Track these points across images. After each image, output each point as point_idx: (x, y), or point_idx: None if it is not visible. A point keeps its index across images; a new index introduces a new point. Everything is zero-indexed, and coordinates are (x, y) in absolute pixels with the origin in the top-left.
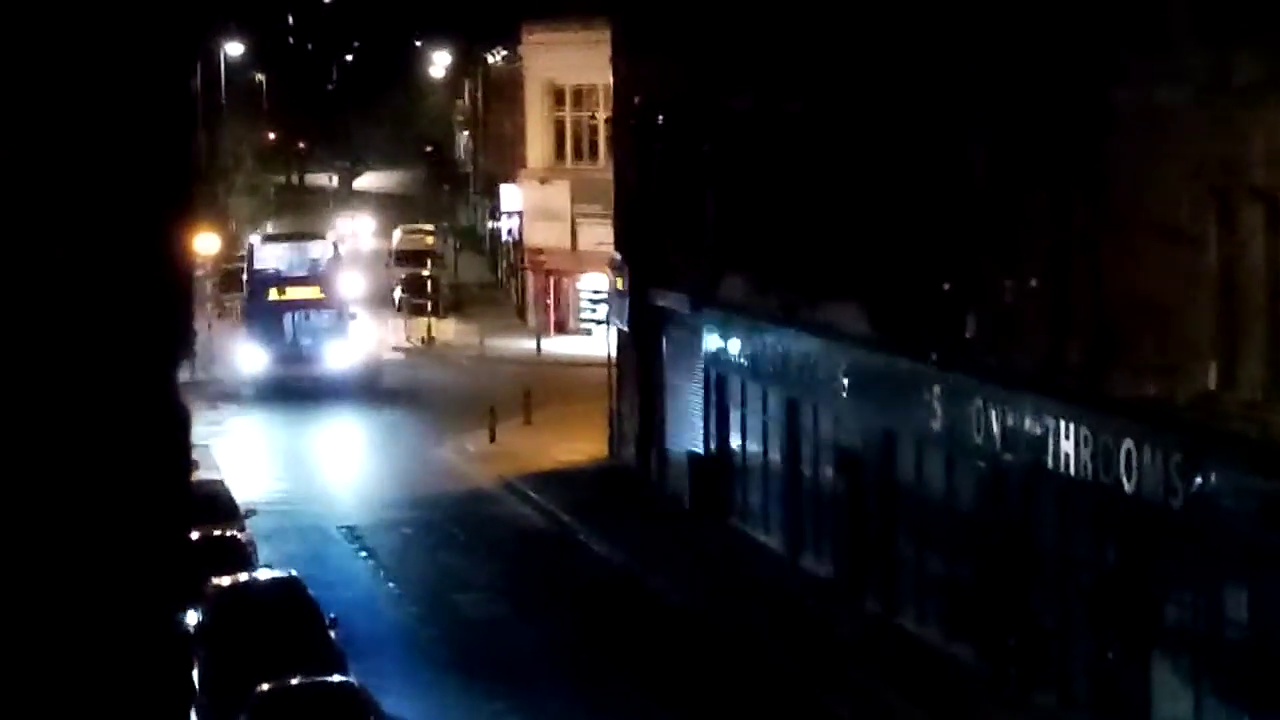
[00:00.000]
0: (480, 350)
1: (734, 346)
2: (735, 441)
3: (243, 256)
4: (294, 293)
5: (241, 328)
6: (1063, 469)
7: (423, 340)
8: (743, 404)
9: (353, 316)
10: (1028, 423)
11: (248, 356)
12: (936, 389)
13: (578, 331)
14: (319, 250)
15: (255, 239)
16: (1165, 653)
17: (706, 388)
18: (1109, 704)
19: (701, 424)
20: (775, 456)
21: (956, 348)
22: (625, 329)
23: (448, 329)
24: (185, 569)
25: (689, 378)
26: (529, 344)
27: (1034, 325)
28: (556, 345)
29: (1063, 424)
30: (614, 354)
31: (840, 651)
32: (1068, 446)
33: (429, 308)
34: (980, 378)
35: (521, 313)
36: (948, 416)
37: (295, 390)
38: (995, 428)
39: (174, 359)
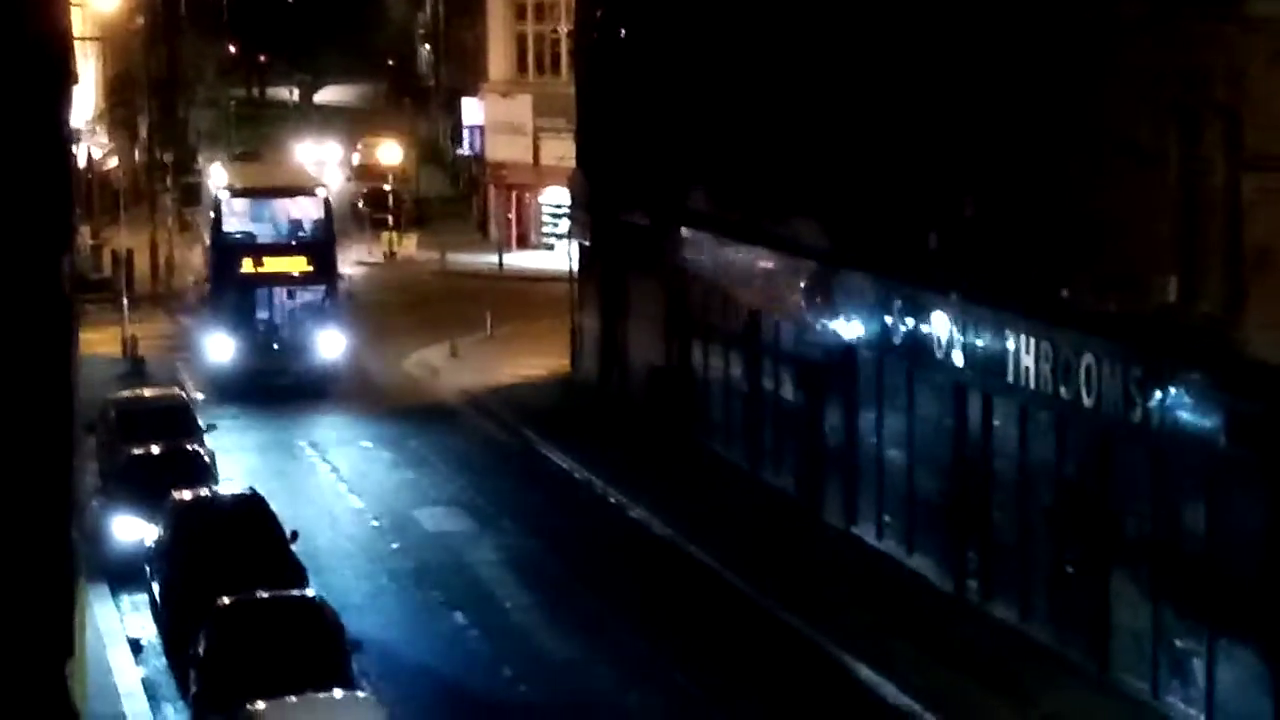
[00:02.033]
0: (442, 265)
1: (696, 261)
2: (697, 356)
3: (201, 171)
4: (274, 264)
5: (204, 309)
6: (1023, 383)
7: (385, 255)
8: (704, 318)
9: (348, 294)
10: (988, 337)
11: (214, 346)
12: (897, 303)
13: (540, 246)
14: (306, 208)
15: (223, 193)
16: (1124, 566)
17: (668, 302)
18: (1068, 617)
19: (663, 338)
20: (736, 371)
21: (918, 262)
22: (587, 243)
23: (410, 243)
24: (67, 455)
25: (651, 292)
26: (491, 258)
27: (995, 240)
28: (519, 260)
29: (1023, 338)
30: (576, 268)
31: (800, 565)
32: (1028, 360)
33: (391, 222)
34: (941, 292)
35: (483, 227)
36: (908, 330)
37: (270, 392)
38: (956, 342)
39: (57, 251)
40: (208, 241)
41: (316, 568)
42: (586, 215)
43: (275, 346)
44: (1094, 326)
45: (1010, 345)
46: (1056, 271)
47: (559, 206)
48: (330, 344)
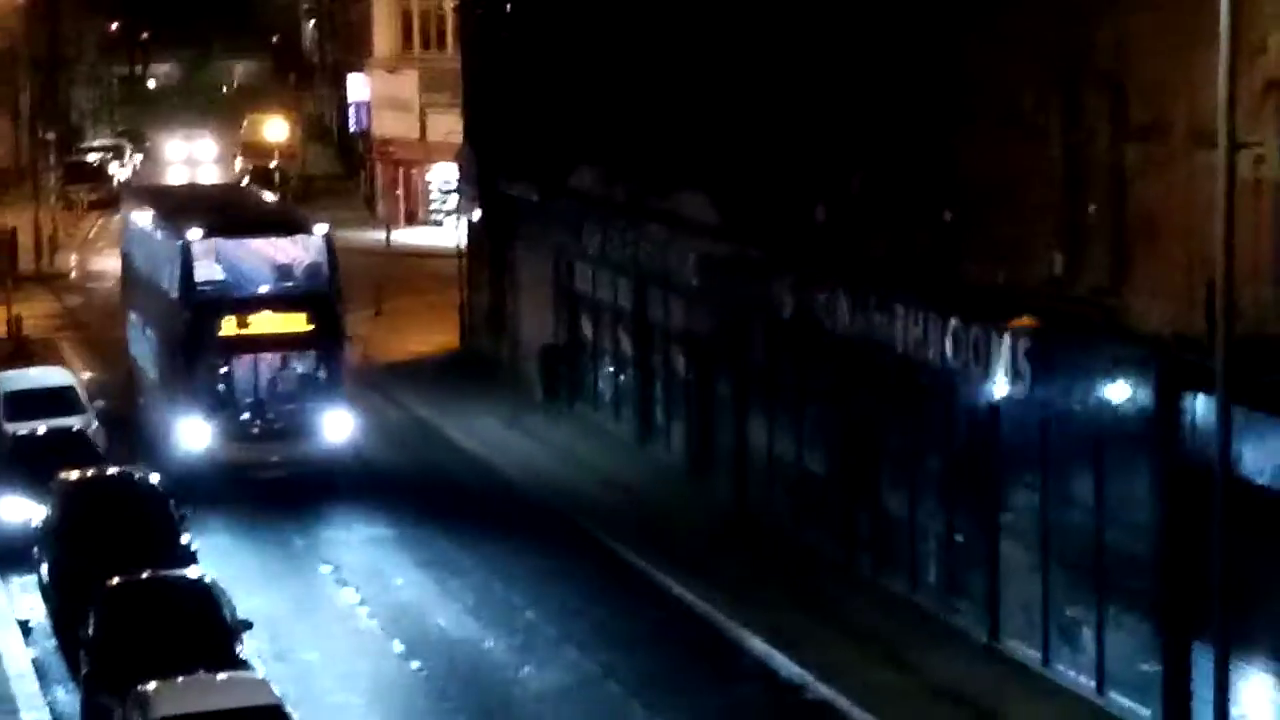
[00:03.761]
0: None
1: (584, 236)
2: (586, 331)
3: (83, 149)
4: (262, 324)
5: (171, 386)
6: (912, 355)
7: None
8: (593, 293)
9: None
10: (877, 310)
11: (184, 432)
12: (786, 277)
13: (428, 222)
14: (300, 250)
15: (193, 234)
16: (1014, 536)
17: (557, 277)
18: (959, 587)
19: (552, 314)
20: (626, 346)
21: (805, 235)
22: (475, 219)
23: None
24: None
25: (539, 267)
26: (379, 235)
27: (883, 214)
28: (407, 236)
29: (912, 311)
30: (464, 244)
31: (691, 539)
32: (917, 333)
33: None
34: (829, 265)
35: (370, 204)
36: (797, 303)
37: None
38: (845, 315)
39: None
40: (173, 294)
41: (207, 547)
42: (474, 190)
43: (264, 431)
44: (982, 299)
45: (899, 317)
46: (944, 244)
47: (447, 182)
48: (335, 426)
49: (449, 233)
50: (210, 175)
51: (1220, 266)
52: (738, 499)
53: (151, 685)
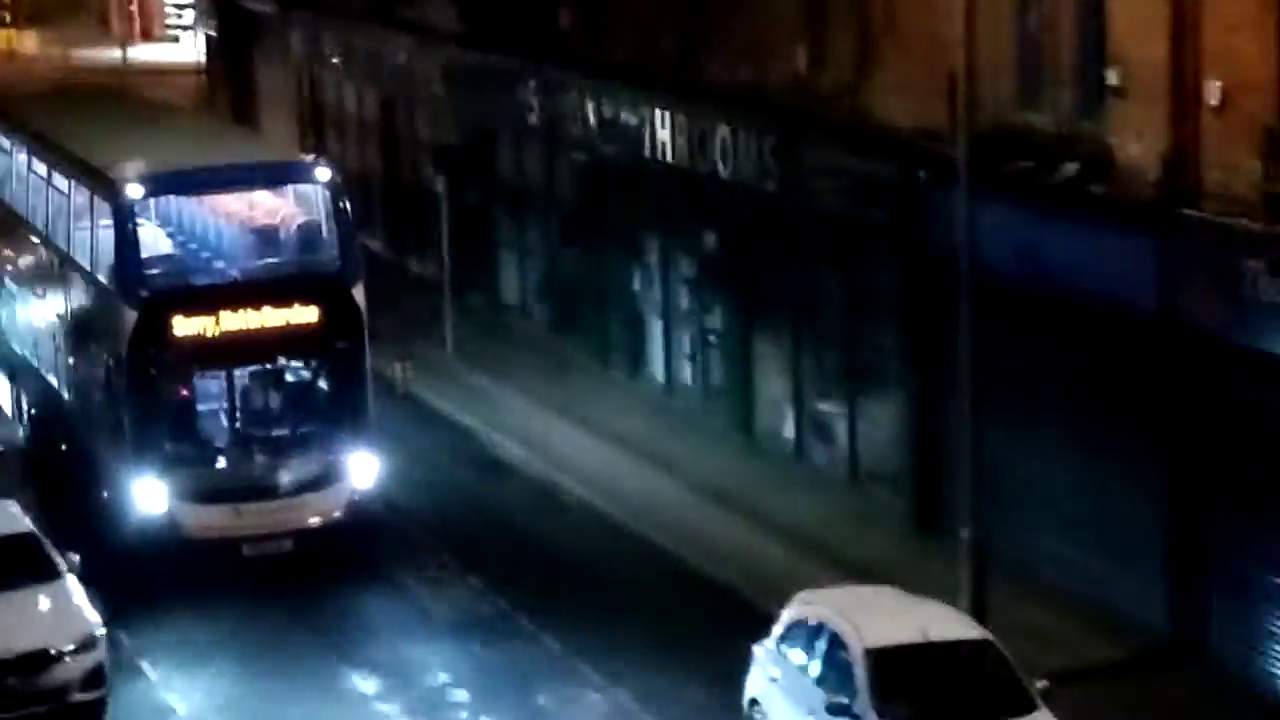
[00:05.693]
0: (65, 62)
1: (326, 48)
2: (333, 145)
3: None
4: (243, 320)
5: (102, 419)
6: (660, 157)
7: (3, 54)
8: (339, 106)
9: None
10: (624, 114)
11: (132, 492)
12: (532, 84)
13: (165, 39)
14: (297, 205)
15: (134, 189)
16: (766, 334)
17: (300, 91)
18: (712, 383)
19: (297, 128)
20: (373, 159)
21: (551, 42)
22: (214, 34)
23: (29, 42)
24: None
25: (282, 81)
26: (115, 54)
27: (627, 16)
28: (143, 53)
29: (659, 113)
30: (204, 60)
31: (448, 344)
32: (664, 135)
33: (7, 19)
34: (576, 70)
35: (105, 21)
36: (545, 110)
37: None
38: (593, 120)
39: None
40: (103, 280)
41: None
42: (211, 4)
43: (253, 484)
44: (727, 98)
45: (646, 120)
46: (689, 45)
47: None
48: (358, 468)
49: (187, 49)
50: None
51: (961, 58)
52: (490, 306)
53: None
